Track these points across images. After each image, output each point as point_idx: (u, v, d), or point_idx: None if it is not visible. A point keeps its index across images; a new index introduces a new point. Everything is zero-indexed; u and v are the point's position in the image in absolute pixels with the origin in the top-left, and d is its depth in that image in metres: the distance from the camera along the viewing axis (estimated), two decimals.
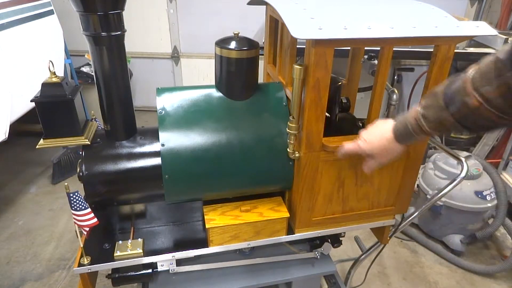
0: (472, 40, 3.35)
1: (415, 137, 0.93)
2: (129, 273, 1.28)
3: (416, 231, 2.73)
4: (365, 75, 1.52)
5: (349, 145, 1.08)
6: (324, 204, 1.31)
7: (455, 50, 1.12)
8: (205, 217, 1.27)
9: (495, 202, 2.46)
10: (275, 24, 1.48)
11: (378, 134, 1.00)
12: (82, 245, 1.19)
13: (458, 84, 0.77)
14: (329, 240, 1.48)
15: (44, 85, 1.13)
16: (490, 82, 0.70)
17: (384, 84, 1.17)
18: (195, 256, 1.33)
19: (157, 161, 1.20)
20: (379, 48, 1.13)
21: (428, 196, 2.56)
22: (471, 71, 0.75)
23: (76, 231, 1.18)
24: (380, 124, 1.02)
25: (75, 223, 1.13)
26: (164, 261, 1.30)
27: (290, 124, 1.18)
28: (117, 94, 1.21)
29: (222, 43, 1.21)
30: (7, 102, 2.45)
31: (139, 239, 1.27)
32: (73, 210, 1.10)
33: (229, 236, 1.29)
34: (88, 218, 1.12)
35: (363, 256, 1.79)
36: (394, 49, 1.12)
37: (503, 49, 0.71)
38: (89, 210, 1.11)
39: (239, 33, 1.22)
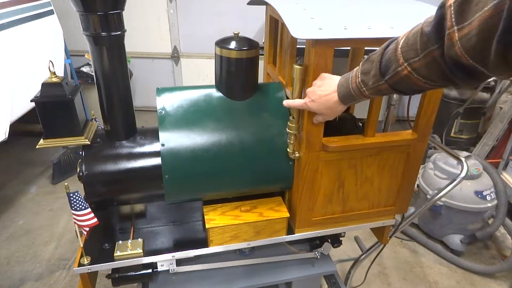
0: None
1: (357, 100, 1.00)
2: (129, 273, 1.28)
3: (416, 231, 2.73)
4: None
5: (297, 103, 1.12)
6: (324, 204, 1.31)
7: None
8: (205, 217, 1.27)
9: (495, 202, 2.46)
10: (275, 24, 1.48)
11: (324, 96, 1.05)
12: (82, 245, 1.19)
13: (390, 54, 0.83)
14: (329, 240, 1.48)
15: (44, 85, 1.13)
16: (417, 53, 0.75)
17: None
18: (195, 256, 1.33)
19: (157, 161, 1.20)
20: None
21: (428, 196, 2.56)
22: (402, 39, 0.81)
23: (76, 231, 1.18)
24: (326, 84, 1.05)
25: (75, 223, 1.13)
26: (164, 261, 1.30)
27: (290, 124, 1.18)
28: (117, 94, 1.21)
29: (222, 43, 1.21)
30: (7, 102, 2.45)
31: (139, 239, 1.27)
32: (73, 210, 1.10)
33: (229, 236, 1.29)
34: (88, 218, 1.12)
35: (363, 256, 1.79)
36: None
37: (427, 20, 0.73)
38: (89, 210, 1.11)
39: (239, 33, 1.22)
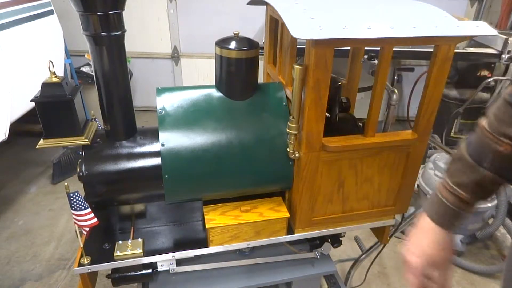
0: (472, 40, 3.35)
1: (458, 213, 0.80)
2: (129, 273, 1.28)
3: None
4: (365, 75, 1.52)
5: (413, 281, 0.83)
6: (324, 204, 1.31)
7: (455, 50, 1.12)
8: (205, 217, 1.27)
9: (495, 202, 2.45)
10: (275, 24, 1.48)
11: (418, 237, 0.82)
12: (82, 245, 1.19)
13: (477, 138, 0.76)
14: (329, 240, 1.48)
15: (44, 85, 1.13)
16: (510, 124, 0.71)
17: (384, 84, 1.17)
18: (195, 256, 1.33)
19: (157, 161, 1.20)
20: (379, 48, 1.13)
21: (428, 196, 2.56)
22: (483, 122, 0.76)
23: (76, 231, 1.18)
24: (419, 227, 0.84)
25: (75, 223, 1.13)
26: (164, 261, 1.30)
27: (290, 124, 1.18)
28: (117, 94, 1.21)
29: (222, 43, 1.21)
30: (7, 102, 2.45)
31: (139, 239, 1.27)
32: (73, 210, 1.10)
33: (229, 236, 1.29)
34: (88, 218, 1.12)
35: (363, 256, 1.79)
36: (394, 49, 1.12)
37: (509, 91, 0.73)
38: (89, 210, 1.11)
39: (239, 33, 1.22)
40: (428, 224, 0.81)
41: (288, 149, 1.23)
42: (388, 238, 1.53)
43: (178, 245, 1.31)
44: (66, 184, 1.09)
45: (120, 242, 1.25)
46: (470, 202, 0.78)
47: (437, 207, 0.81)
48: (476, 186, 0.77)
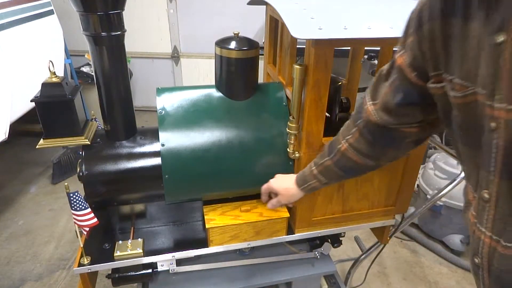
0: None
1: (308, 181, 1.10)
2: (129, 273, 1.28)
3: (416, 231, 2.73)
4: (365, 75, 1.52)
5: (273, 202, 1.23)
6: (324, 204, 1.31)
7: None
8: (205, 217, 1.27)
9: None
10: (275, 24, 1.48)
11: (286, 178, 1.20)
12: (82, 245, 1.19)
13: (335, 138, 1.02)
14: (329, 240, 1.48)
15: (44, 85, 1.13)
16: (349, 131, 0.95)
17: None
18: (195, 256, 1.33)
19: (157, 161, 1.20)
20: (379, 48, 1.13)
21: (428, 196, 2.56)
22: (343, 127, 1.01)
23: (76, 231, 1.18)
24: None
25: (75, 223, 1.13)
26: (164, 261, 1.30)
27: (290, 124, 1.18)
28: (117, 94, 1.21)
29: (222, 43, 1.21)
30: (7, 102, 2.45)
31: (139, 239, 1.27)
32: (73, 210, 1.10)
33: (229, 236, 1.29)
34: (88, 218, 1.12)
35: (363, 256, 1.80)
36: (394, 49, 1.12)
37: (353, 113, 0.96)
38: (89, 210, 1.11)
39: (239, 33, 1.22)
40: (292, 179, 1.15)
41: (288, 149, 1.23)
42: (388, 238, 1.53)
43: (178, 245, 1.31)
44: (66, 184, 1.09)
45: (120, 242, 1.25)
46: (316, 176, 1.07)
47: (300, 174, 1.13)
48: (321, 166, 1.05)
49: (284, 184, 1.17)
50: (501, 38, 0.50)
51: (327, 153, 1.02)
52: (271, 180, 1.21)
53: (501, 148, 0.54)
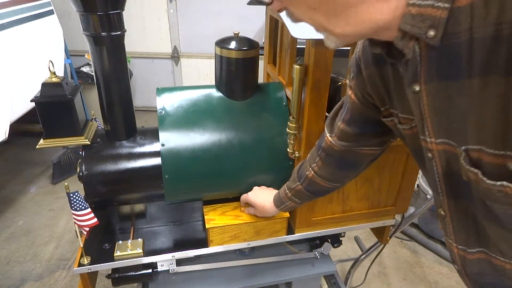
0: None
1: (284, 202, 1.16)
2: (129, 273, 1.28)
3: (416, 231, 2.73)
4: None
5: (250, 211, 1.29)
6: (324, 204, 1.31)
7: None
8: (205, 217, 1.27)
9: None
10: (275, 24, 1.48)
11: (264, 192, 1.27)
12: (82, 245, 1.19)
13: (304, 164, 1.07)
14: (329, 240, 1.48)
15: (44, 85, 1.13)
16: (314, 160, 1.01)
17: None
18: (195, 256, 1.33)
19: (157, 161, 1.20)
20: None
21: (428, 196, 2.56)
22: (308, 155, 1.06)
23: (76, 231, 1.18)
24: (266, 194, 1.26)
25: (75, 223, 1.12)
26: (164, 261, 1.30)
27: (290, 124, 1.18)
28: (117, 94, 1.21)
29: (222, 43, 1.21)
30: (7, 102, 2.45)
31: (139, 239, 1.27)
32: (73, 210, 1.10)
33: (229, 236, 1.29)
34: (88, 218, 1.12)
35: (363, 256, 1.80)
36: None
37: (317, 141, 1.01)
38: (89, 210, 1.11)
39: (239, 33, 1.22)
40: (271, 197, 1.22)
41: (288, 149, 1.23)
42: (388, 238, 1.53)
43: (178, 245, 1.31)
44: (66, 184, 1.09)
45: (120, 242, 1.25)
46: (290, 198, 1.14)
47: (277, 195, 1.20)
48: (293, 190, 1.12)
49: (259, 199, 1.23)
50: (416, 88, 0.56)
51: (297, 178, 1.09)
52: (249, 193, 1.26)
53: (440, 174, 0.61)
